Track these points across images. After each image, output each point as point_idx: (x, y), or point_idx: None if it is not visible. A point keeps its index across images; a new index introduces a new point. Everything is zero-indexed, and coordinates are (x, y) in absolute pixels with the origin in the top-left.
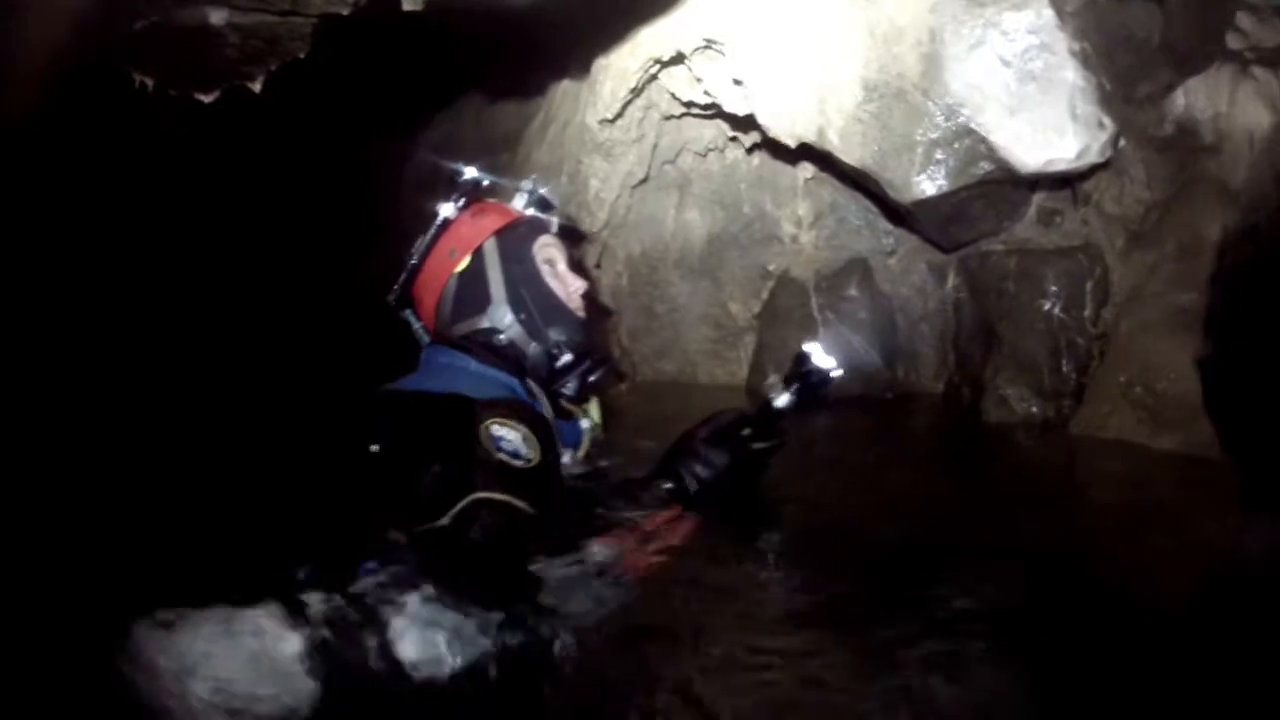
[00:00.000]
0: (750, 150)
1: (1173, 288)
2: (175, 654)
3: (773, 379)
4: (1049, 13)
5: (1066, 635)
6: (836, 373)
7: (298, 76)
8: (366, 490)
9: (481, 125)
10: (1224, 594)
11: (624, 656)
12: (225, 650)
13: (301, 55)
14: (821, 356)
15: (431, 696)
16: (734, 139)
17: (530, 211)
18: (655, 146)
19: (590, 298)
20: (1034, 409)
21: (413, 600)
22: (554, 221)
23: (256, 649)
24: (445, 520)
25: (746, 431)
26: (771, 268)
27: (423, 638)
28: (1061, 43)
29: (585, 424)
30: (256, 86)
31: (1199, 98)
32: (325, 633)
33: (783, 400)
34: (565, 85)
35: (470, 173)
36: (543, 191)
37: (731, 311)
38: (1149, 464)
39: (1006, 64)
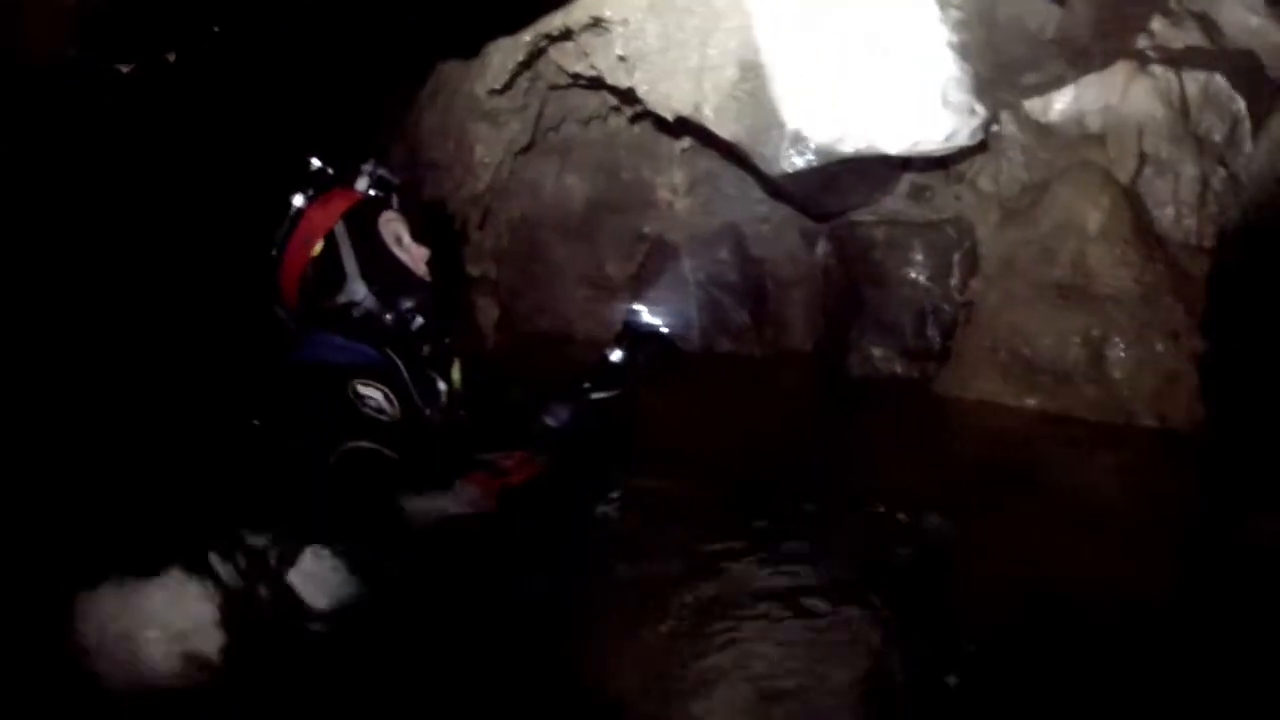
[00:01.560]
0: (632, 120)
1: (1044, 264)
2: (123, 617)
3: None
4: (931, 4)
5: (921, 585)
6: (662, 329)
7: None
8: (257, 456)
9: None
10: (1078, 536)
11: (485, 587)
12: (166, 608)
13: None
14: (648, 316)
15: (328, 634)
16: (616, 109)
17: (372, 191)
18: (540, 115)
19: (437, 263)
20: (898, 368)
21: (305, 551)
22: (394, 198)
23: (176, 606)
24: (326, 469)
25: (586, 385)
26: (647, 231)
27: (315, 583)
28: (940, 33)
29: (442, 386)
30: None
31: (1090, 89)
32: (233, 585)
33: (616, 355)
34: (456, 59)
35: (316, 163)
36: (381, 172)
37: (608, 272)
38: (1012, 422)
39: (885, 51)
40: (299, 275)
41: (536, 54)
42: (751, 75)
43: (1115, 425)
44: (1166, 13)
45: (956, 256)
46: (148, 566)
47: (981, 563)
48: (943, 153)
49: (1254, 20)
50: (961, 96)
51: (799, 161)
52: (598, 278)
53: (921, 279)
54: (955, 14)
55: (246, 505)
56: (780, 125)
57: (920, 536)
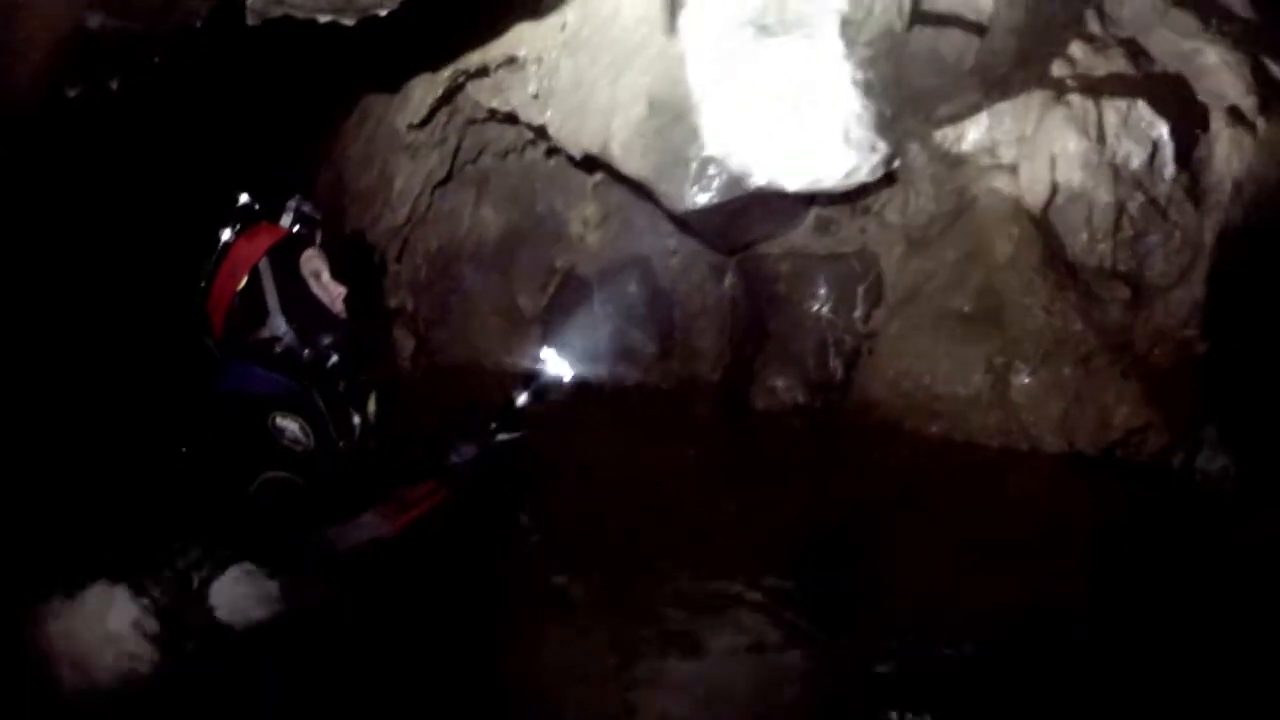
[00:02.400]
0: (548, 153)
1: (950, 293)
2: (65, 629)
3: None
4: (837, 43)
5: (826, 606)
6: (567, 379)
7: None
8: (184, 481)
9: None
10: (981, 561)
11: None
12: (105, 620)
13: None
14: (556, 362)
15: (246, 647)
16: (532, 142)
17: (295, 227)
18: (458, 148)
19: (354, 300)
20: (801, 399)
21: (229, 570)
22: (316, 234)
23: (114, 618)
24: (245, 497)
25: (493, 425)
26: (559, 264)
27: (235, 602)
28: (845, 72)
29: (356, 419)
30: None
31: (1005, 119)
32: (160, 602)
33: (522, 399)
34: (379, 88)
35: (244, 198)
36: (305, 208)
37: (520, 304)
38: (915, 449)
39: (790, 89)
40: (225, 308)
41: (455, 89)
42: (659, 113)
43: (1019, 451)
44: (1090, 40)
45: (860, 288)
46: (86, 581)
47: (888, 588)
48: (843, 189)
49: (1186, 44)
50: (863, 134)
51: (702, 199)
52: (510, 309)
53: (824, 311)
54: (862, 51)
55: (178, 525)
56: (685, 162)
57: (823, 561)
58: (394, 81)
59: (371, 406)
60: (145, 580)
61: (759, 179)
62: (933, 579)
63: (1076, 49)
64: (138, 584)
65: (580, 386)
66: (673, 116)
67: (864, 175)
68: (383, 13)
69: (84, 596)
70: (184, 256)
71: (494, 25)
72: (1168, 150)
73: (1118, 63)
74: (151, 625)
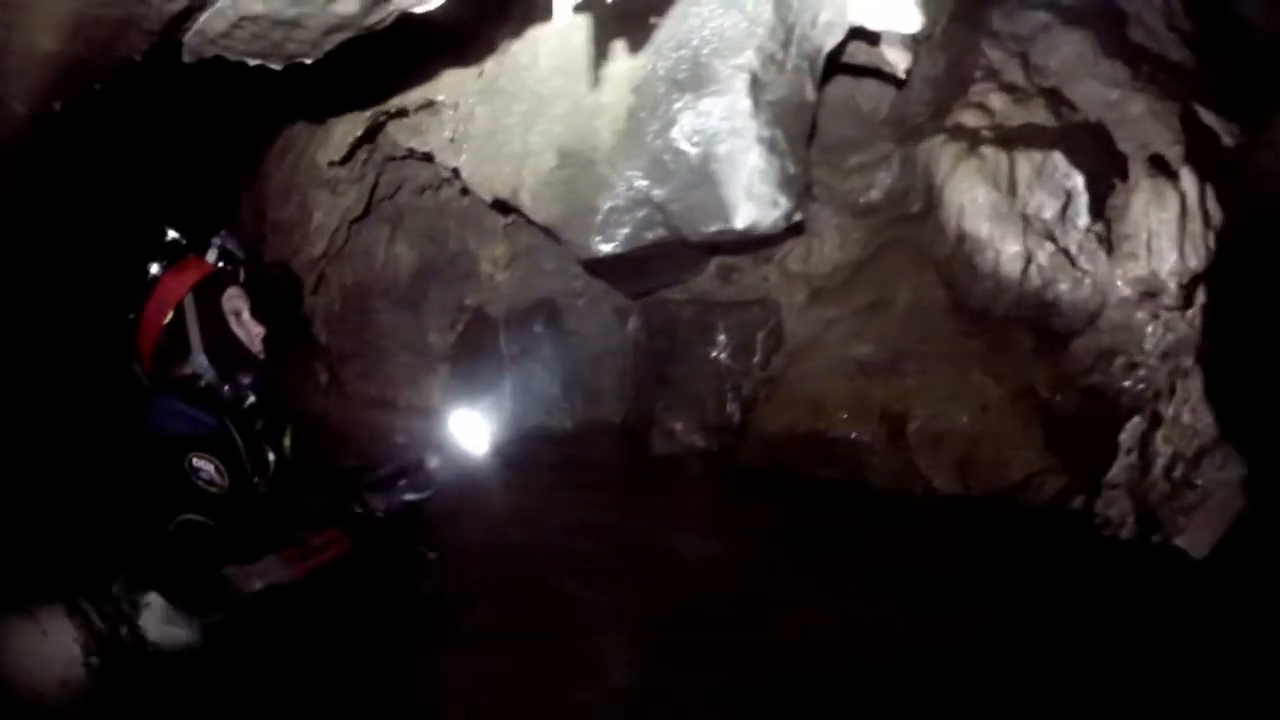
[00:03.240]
0: (463, 191)
1: (849, 341)
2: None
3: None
4: (745, 101)
5: (722, 648)
6: (480, 447)
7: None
8: (110, 514)
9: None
10: (876, 601)
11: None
12: (43, 644)
13: None
14: (465, 428)
15: (175, 668)
16: (448, 180)
17: (220, 264)
18: (376, 184)
19: (272, 339)
20: (699, 442)
21: (154, 600)
22: (240, 272)
23: (52, 643)
24: (164, 536)
25: (403, 483)
26: (469, 302)
27: (163, 628)
28: (751, 129)
29: (272, 456)
30: None
31: (915, 169)
32: (97, 627)
33: (433, 463)
34: (304, 120)
35: (172, 234)
36: (229, 245)
37: (430, 341)
38: (810, 492)
39: (695, 144)
40: (153, 341)
41: (376, 129)
42: (569, 163)
43: (914, 494)
44: (1011, 90)
45: (760, 335)
46: (25, 607)
47: (783, 628)
48: (745, 241)
49: (1113, 94)
50: (765, 190)
51: (607, 248)
52: (421, 346)
53: (723, 356)
54: (769, 109)
55: (110, 550)
56: (593, 212)
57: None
58: (317, 117)
59: (287, 442)
60: (80, 601)
61: (663, 230)
62: (827, 620)
63: (996, 99)
64: (73, 604)
65: (483, 465)
66: (582, 166)
67: (764, 229)
68: (308, 61)
69: (30, 621)
70: (114, 285)
71: (414, 70)
72: (1082, 200)
73: (1038, 113)
74: (89, 645)
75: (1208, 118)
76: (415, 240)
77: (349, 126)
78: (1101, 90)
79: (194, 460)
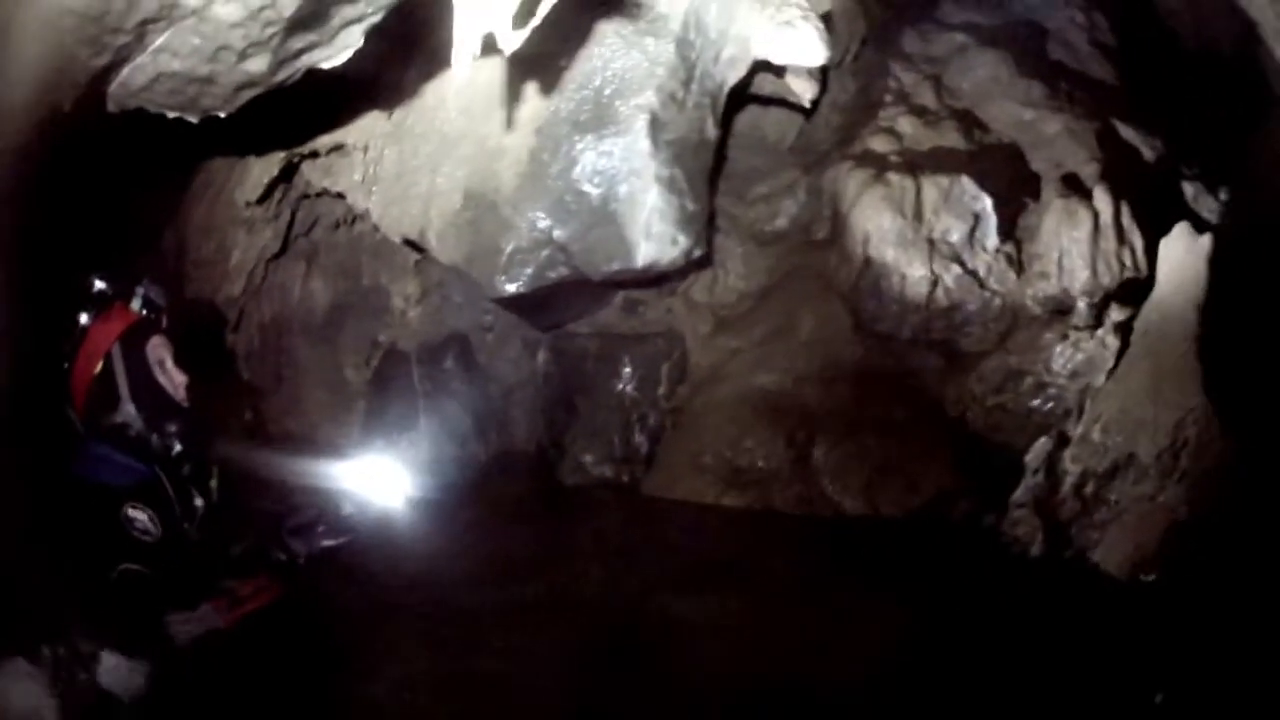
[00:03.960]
0: (376, 227)
1: (753, 370)
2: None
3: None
4: (645, 142)
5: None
6: (395, 493)
7: None
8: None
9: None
10: (784, 623)
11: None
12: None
13: None
14: (381, 477)
15: (129, 712)
16: (361, 215)
17: (144, 312)
18: (292, 222)
19: (195, 387)
20: (608, 472)
21: (105, 647)
22: (163, 319)
23: (19, 690)
24: (107, 585)
25: (321, 529)
26: (382, 338)
27: (115, 673)
28: (650, 168)
29: (199, 502)
30: None
31: (821, 197)
32: (56, 674)
33: (348, 509)
34: (222, 156)
35: (100, 284)
36: (151, 293)
37: (346, 377)
38: (717, 520)
39: (595, 185)
40: (85, 390)
41: (291, 169)
42: (473, 204)
43: (822, 518)
44: (921, 113)
45: (665, 367)
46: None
47: (694, 655)
48: (646, 278)
49: (1028, 114)
50: (664, 228)
51: (511, 287)
52: (337, 382)
53: (629, 389)
54: (668, 149)
55: (64, 600)
56: (497, 252)
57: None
58: (236, 157)
59: (214, 485)
60: (42, 649)
61: (565, 269)
62: (737, 646)
63: (906, 123)
64: (34, 652)
65: (394, 513)
66: (486, 208)
67: (664, 267)
68: (222, 115)
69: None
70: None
71: (325, 113)
72: (990, 222)
73: (948, 136)
74: (49, 690)
75: (1128, 134)
76: (330, 276)
77: (265, 167)
78: (1016, 110)
79: (129, 511)
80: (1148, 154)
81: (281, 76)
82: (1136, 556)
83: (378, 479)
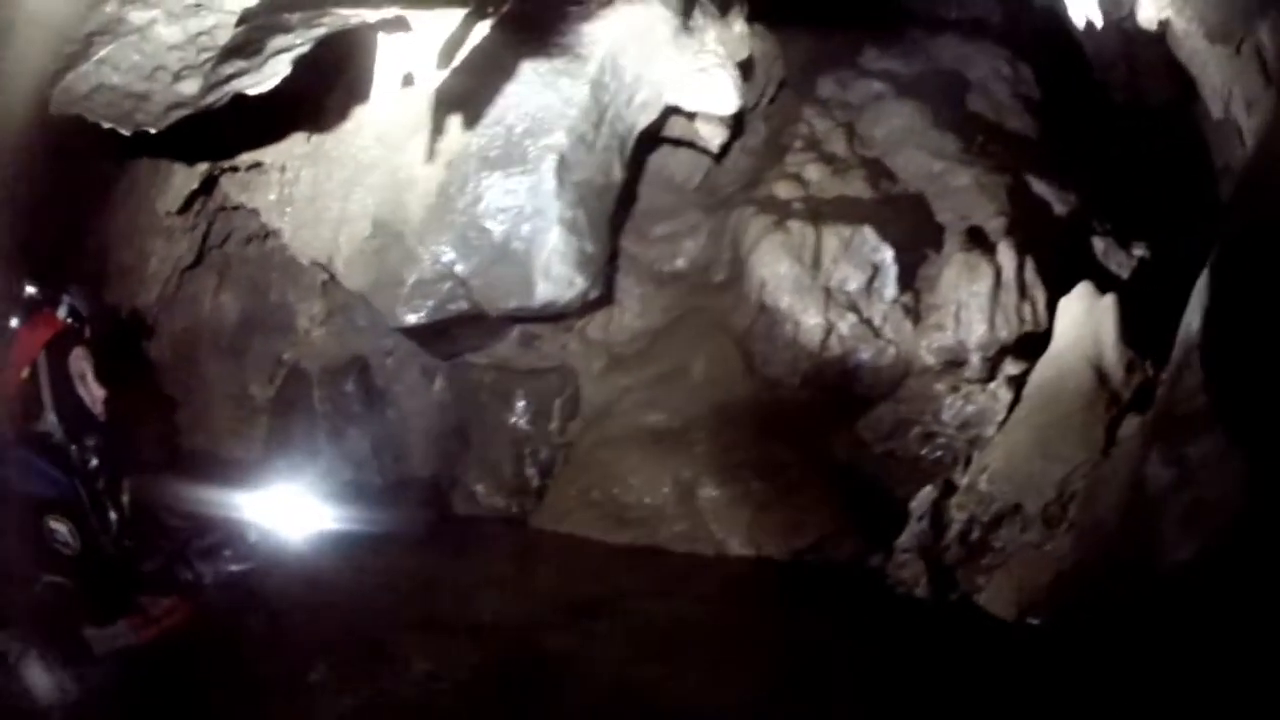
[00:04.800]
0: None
1: (644, 408)
2: None
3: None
4: (551, 183)
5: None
6: (295, 523)
7: None
8: None
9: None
10: (667, 661)
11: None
12: None
13: None
14: (282, 507)
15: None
16: (275, 232)
17: (69, 320)
18: (207, 233)
19: (112, 402)
20: (499, 504)
21: (31, 654)
22: (86, 329)
23: None
24: (33, 596)
25: (227, 552)
26: (286, 357)
27: (42, 679)
28: (554, 209)
29: (114, 515)
30: None
31: (722, 240)
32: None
33: (253, 535)
34: (148, 163)
35: (30, 289)
36: (76, 302)
37: (251, 393)
38: (603, 556)
39: (499, 223)
40: (12, 396)
41: (211, 181)
42: (381, 233)
43: (706, 557)
44: (830, 160)
45: (558, 402)
46: None
47: (575, 691)
48: (543, 316)
49: (938, 165)
50: (563, 270)
51: (412, 318)
52: (243, 398)
53: (522, 422)
54: (573, 190)
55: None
56: (400, 283)
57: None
58: (160, 164)
59: (126, 499)
60: None
61: (465, 304)
62: (624, 680)
63: (813, 170)
64: None
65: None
66: (393, 237)
67: (560, 307)
68: (153, 130)
69: None
70: None
71: (248, 130)
72: (890, 273)
73: (855, 184)
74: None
75: (1040, 188)
76: (240, 290)
77: (186, 178)
78: (926, 161)
79: (50, 522)
80: (1059, 209)
81: (210, 99)
82: (1023, 601)
83: (281, 507)
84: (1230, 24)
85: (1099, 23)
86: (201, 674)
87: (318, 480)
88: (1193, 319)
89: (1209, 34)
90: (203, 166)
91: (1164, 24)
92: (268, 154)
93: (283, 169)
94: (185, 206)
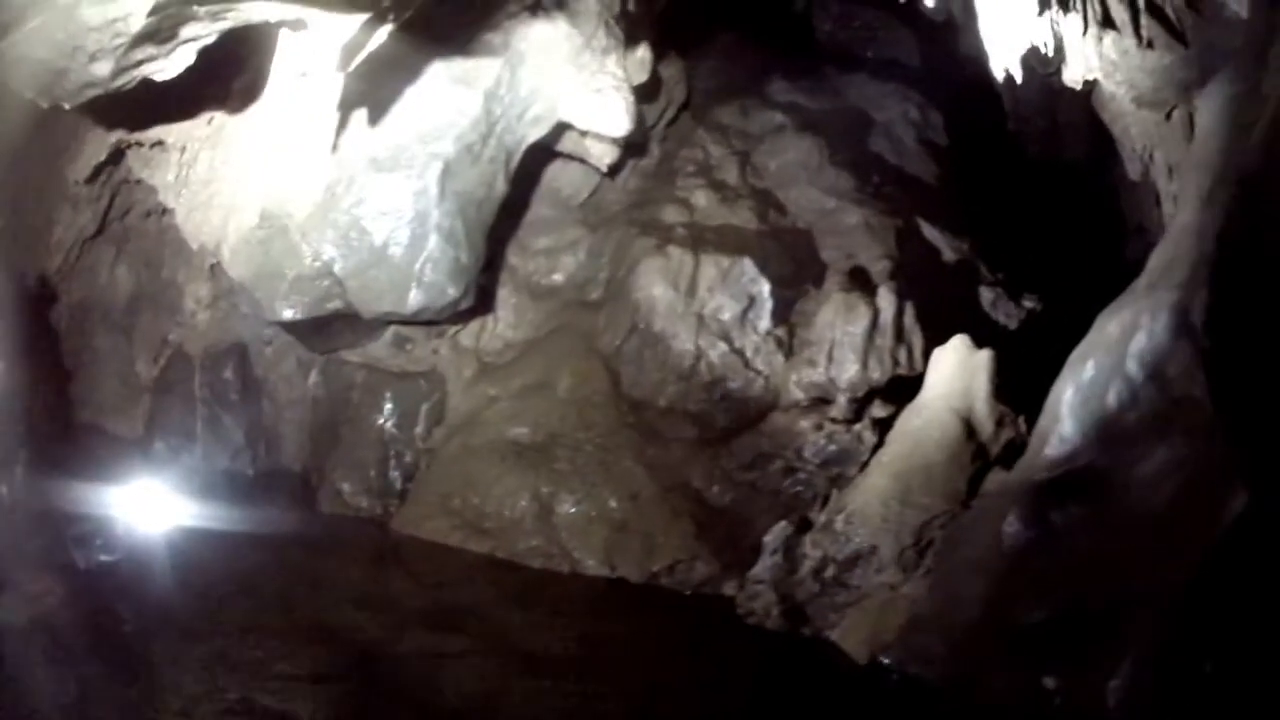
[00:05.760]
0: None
1: (508, 420)
2: None
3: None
4: (434, 189)
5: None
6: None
7: None
8: None
9: None
10: (515, 675)
11: None
12: None
13: None
14: (151, 502)
15: None
16: (169, 211)
17: None
18: (110, 205)
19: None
20: (363, 504)
21: None
22: None
23: None
24: None
25: (99, 542)
26: (171, 337)
27: None
28: (433, 217)
29: (4, 489)
30: None
31: (602, 259)
32: None
33: (121, 528)
34: (63, 128)
35: None
36: None
37: (138, 370)
38: (461, 564)
39: (379, 226)
40: None
41: (118, 154)
42: (268, 224)
43: (561, 574)
44: (721, 188)
45: (425, 407)
46: None
47: (423, 701)
48: (414, 322)
49: (830, 202)
50: (436, 278)
51: (289, 313)
52: (129, 375)
53: (389, 424)
54: (454, 200)
55: None
56: (281, 277)
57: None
58: (74, 129)
59: (19, 471)
60: None
61: (340, 304)
62: (471, 692)
63: (702, 196)
64: None
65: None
66: (278, 230)
67: (431, 315)
68: (67, 106)
69: None
70: None
71: (154, 108)
72: (766, 306)
73: (742, 214)
74: None
75: (932, 234)
76: (134, 265)
77: (96, 148)
78: (818, 197)
79: None
80: (949, 255)
81: (120, 82)
82: (875, 641)
83: (155, 499)
84: (1162, 92)
85: (1019, 78)
86: (66, 659)
87: (194, 466)
88: (1065, 387)
89: (1138, 99)
90: (113, 137)
91: (1090, 84)
92: (171, 132)
93: (183, 149)
94: (93, 176)
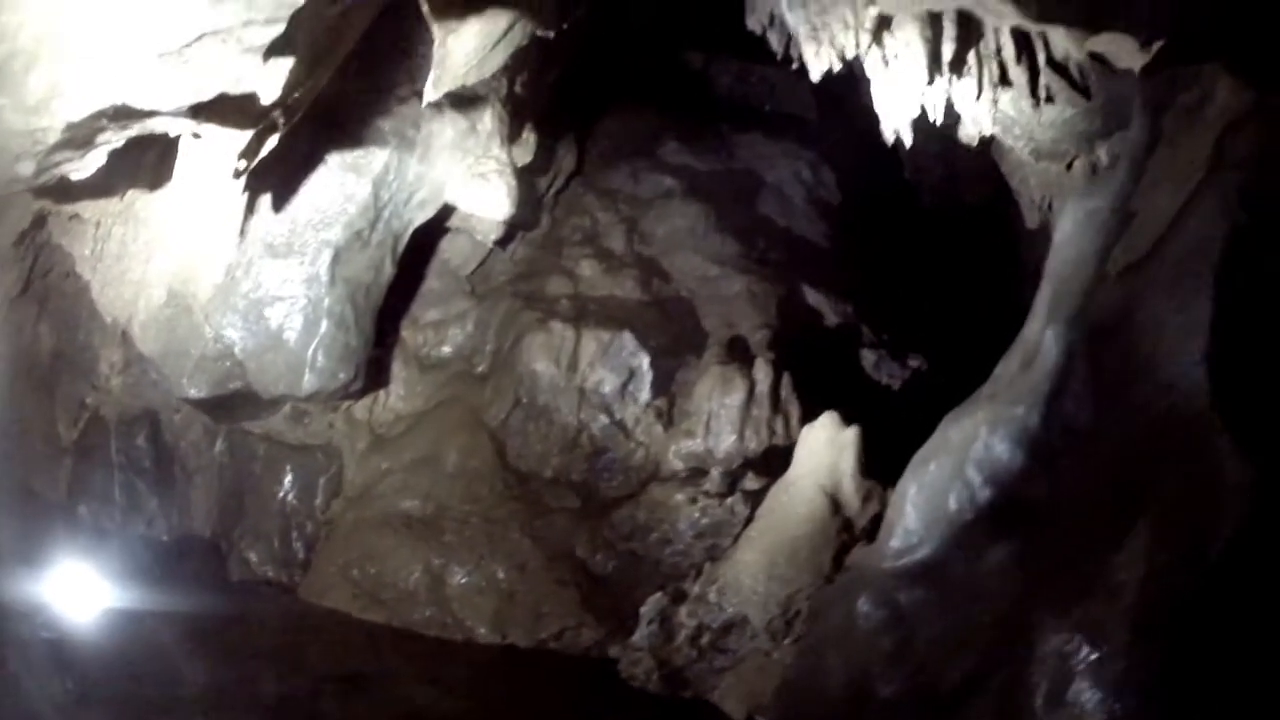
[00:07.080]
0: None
1: (400, 492)
2: None
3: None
4: (324, 276)
5: None
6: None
7: None
8: None
9: None
10: None
11: None
12: None
13: None
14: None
15: None
16: (85, 285)
17: None
18: (34, 264)
19: None
20: (270, 573)
21: None
22: None
23: None
24: None
25: (39, 621)
26: (89, 401)
27: None
28: (324, 303)
29: None
30: None
31: (488, 331)
32: None
33: (58, 605)
34: None
35: None
36: None
37: (59, 431)
38: (359, 633)
39: (274, 310)
40: None
41: (41, 220)
42: (174, 304)
43: (455, 641)
44: (606, 257)
45: (322, 479)
46: None
47: None
48: (313, 401)
49: (713, 270)
50: (327, 363)
51: (193, 391)
52: (52, 435)
53: (290, 496)
54: (344, 285)
55: None
56: (186, 355)
57: None
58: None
59: None
60: None
61: (240, 384)
62: None
63: (588, 266)
64: None
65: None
66: (184, 310)
67: (324, 397)
68: None
69: None
70: None
71: (74, 183)
72: (646, 378)
73: (626, 284)
74: None
75: (815, 298)
76: (55, 324)
77: (22, 214)
78: (702, 265)
79: None
80: (832, 319)
81: (41, 180)
82: (752, 702)
83: (82, 583)
84: (1062, 144)
85: (909, 142)
86: None
87: (113, 531)
88: (909, 485)
89: (1036, 152)
90: (36, 206)
91: (986, 140)
92: (87, 208)
93: (98, 224)
94: (19, 241)
